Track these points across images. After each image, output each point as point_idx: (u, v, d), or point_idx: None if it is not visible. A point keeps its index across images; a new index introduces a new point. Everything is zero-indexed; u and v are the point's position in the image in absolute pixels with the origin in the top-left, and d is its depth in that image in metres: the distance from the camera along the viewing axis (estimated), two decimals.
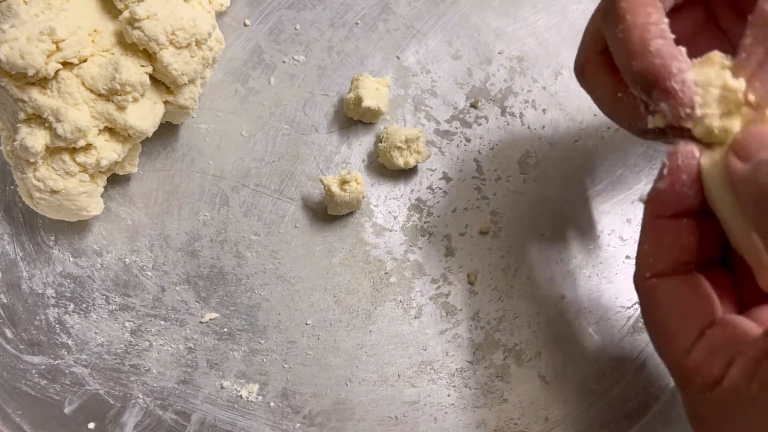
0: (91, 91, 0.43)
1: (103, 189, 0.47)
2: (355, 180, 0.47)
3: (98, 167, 0.45)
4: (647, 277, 0.34)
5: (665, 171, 0.33)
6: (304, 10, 0.54)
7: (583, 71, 0.40)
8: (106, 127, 0.44)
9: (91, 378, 0.47)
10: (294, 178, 0.51)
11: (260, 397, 0.47)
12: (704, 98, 0.32)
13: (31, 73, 0.41)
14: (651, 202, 0.33)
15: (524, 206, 0.51)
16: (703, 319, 0.32)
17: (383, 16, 0.55)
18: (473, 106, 0.53)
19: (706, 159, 0.32)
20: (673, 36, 0.33)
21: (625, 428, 0.47)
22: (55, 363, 0.47)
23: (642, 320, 0.49)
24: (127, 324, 0.48)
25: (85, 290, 0.48)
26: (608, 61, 0.37)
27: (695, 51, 0.34)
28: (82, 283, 0.48)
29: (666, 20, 0.33)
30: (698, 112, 0.32)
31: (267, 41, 0.54)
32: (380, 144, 0.50)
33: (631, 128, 0.37)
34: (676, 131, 0.33)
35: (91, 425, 0.46)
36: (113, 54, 0.44)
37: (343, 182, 0.47)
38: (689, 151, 0.32)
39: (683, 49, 0.33)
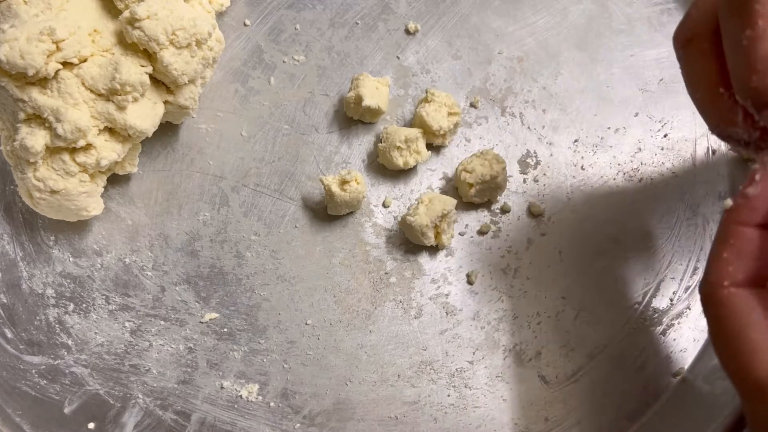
0: (91, 91, 0.43)
1: (103, 189, 0.47)
2: (355, 180, 0.47)
3: (98, 167, 0.45)
4: (724, 286, 0.31)
5: (757, 177, 0.31)
6: (304, 10, 0.54)
7: (686, 45, 0.35)
8: (106, 127, 0.44)
9: (91, 378, 0.47)
10: (294, 178, 0.51)
11: (260, 397, 0.47)
12: None
13: (31, 73, 0.41)
14: (737, 209, 0.31)
15: (524, 206, 0.51)
16: None
17: (383, 16, 0.55)
18: (473, 106, 0.53)
19: None
20: None
21: (625, 428, 0.47)
22: (55, 363, 0.47)
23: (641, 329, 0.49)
24: (127, 324, 0.48)
25: (85, 290, 0.48)
26: (720, 45, 0.32)
27: None
28: (82, 283, 0.48)
29: None
30: None
31: (267, 41, 0.54)
32: (380, 144, 0.50)
33: (716, 129, 0.34)
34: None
35: (91, 425, 0.46)
36: (113, 54, 0.44)
37: (343, 182, 0.47)
38: None
39: None
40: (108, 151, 0.44)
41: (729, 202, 0.32)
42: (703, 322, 0.48)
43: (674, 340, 0.49)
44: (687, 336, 0.49)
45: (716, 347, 0.33)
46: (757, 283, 0.32)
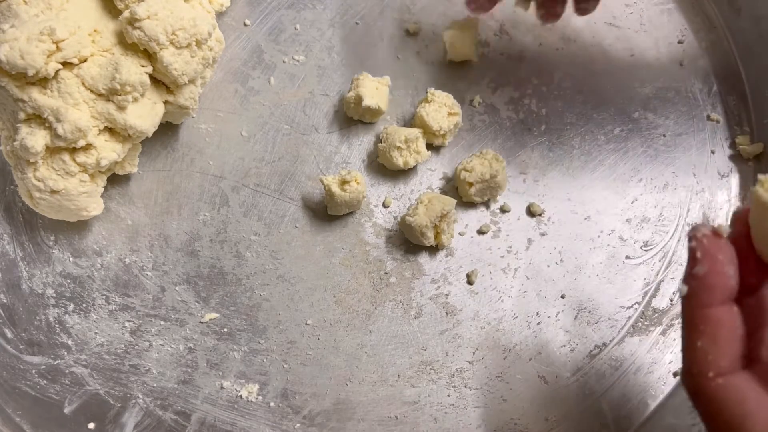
0: (91, 91, 0.43)
1: (103, 189, 0.47)
2: (355, 180, 0.47)
3: (98, 167, 0.45)
4: (711, 378, 0.30)
5: (698, 255, 0.30)
6: (304, 10, 0.54)
7: None
8: (106, 127, 0.44)
9: (91, 378, 0.47)
10: (294, 178, 0.51)
11: (260, 397, 0.47)
12: None
13: (31, 73, 0.41)
14: (695, 293, 0.30)
15: (524, 206, 0.51)
16: None
17: (383, 16, 0.55)
18: (473, 106, 0.53)
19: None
20: None
21: (625, 428, 0.47)
22: (55, 363, 0.47)
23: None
24: (127, 324, 0.48)
25: (85, 290, 0.48)
26: None
27: None
28: (82, 283, 0.48)
29: None
30: None
31: (267, 41, 0.54)
32: (380, 144, 0.50)
33: None
34: None
35: (91, 425, 0.46)
36: (113, 54, 0.44)
37: (343, 182, 0.47)
38: (711, 230, 0.30)
39: None
40: (108, 151, 0.44)
41: (684, 287, 0.31)
42: None
43: (674, 340, 0.49)
44: None
45: None
46: (742, 366, 0.30)
